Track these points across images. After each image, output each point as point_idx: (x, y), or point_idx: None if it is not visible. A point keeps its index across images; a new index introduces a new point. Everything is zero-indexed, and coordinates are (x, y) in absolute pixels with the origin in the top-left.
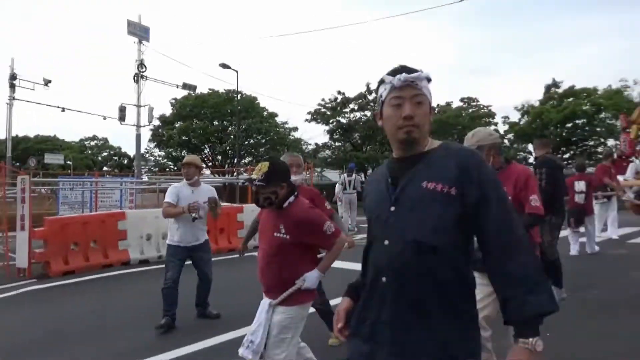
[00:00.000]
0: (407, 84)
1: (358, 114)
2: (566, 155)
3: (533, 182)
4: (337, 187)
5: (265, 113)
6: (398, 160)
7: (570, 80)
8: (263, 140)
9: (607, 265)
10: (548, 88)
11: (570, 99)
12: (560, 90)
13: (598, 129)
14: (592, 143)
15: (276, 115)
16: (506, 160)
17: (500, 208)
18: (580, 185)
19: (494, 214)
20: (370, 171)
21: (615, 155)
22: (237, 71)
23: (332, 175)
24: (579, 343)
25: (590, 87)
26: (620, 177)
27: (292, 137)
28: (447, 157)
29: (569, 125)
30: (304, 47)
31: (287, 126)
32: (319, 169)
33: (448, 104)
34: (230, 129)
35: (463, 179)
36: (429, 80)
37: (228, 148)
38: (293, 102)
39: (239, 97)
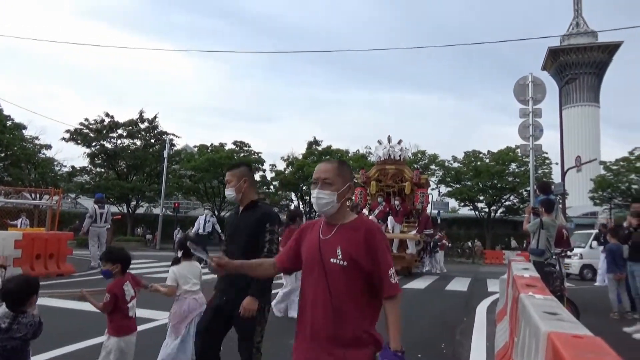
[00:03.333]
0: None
1: (126, 141)
2: None
3: None
4: (87, 220)
5: (9, 123)
6: None
7: (329, 140)
8: (2, 154)
9: None
10: (310, 144)
11: (327, 157)
12: (320, 148)
13: None
14: None
15: (24, 127)
16: None
17: None
18: None
19: None
20: (134, 203)
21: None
22: None
23: (90, 203)
24: None
25: (343, 149)
26: None
27: (44, 156)
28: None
29: None
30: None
31: (37, 142)
32: (73, 195)
33: (222, 145)
34: None
35: None
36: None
37: None
38: (49, 116)
39: None
